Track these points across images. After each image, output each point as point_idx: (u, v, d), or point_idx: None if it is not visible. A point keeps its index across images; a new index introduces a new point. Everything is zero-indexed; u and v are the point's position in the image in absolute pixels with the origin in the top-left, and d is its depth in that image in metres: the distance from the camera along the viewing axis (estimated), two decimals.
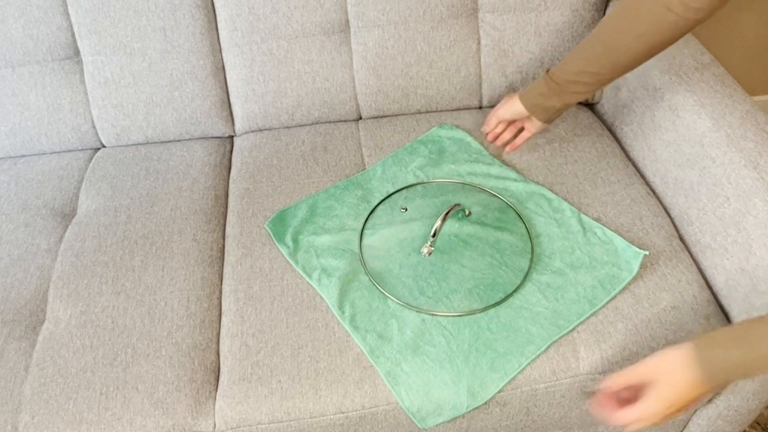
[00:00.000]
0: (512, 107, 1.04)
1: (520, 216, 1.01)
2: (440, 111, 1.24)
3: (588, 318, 0.88)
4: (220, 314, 0.95)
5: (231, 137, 1.25)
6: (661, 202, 1.05)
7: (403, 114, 1.24)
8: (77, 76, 1.15)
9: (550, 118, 1.02)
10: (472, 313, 0.88)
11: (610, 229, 0.98)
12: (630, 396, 0.70)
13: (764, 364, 0.62)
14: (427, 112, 1.24)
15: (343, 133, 1.20)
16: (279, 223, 1.02)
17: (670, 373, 0.66)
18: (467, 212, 1.01)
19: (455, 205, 0.95)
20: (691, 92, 1.00)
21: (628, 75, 1.13)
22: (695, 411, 1.00)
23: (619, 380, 0.71)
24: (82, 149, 1.21)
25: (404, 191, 1.06)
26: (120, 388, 0.85)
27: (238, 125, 1.23)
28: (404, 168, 1.10)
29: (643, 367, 0.68)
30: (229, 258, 1.00)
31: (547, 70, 0.98)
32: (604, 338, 0.87)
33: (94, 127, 1.18)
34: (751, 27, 1.60)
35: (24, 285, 0.97)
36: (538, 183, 1.06)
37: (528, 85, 1.02)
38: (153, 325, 0.91)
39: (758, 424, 1.27)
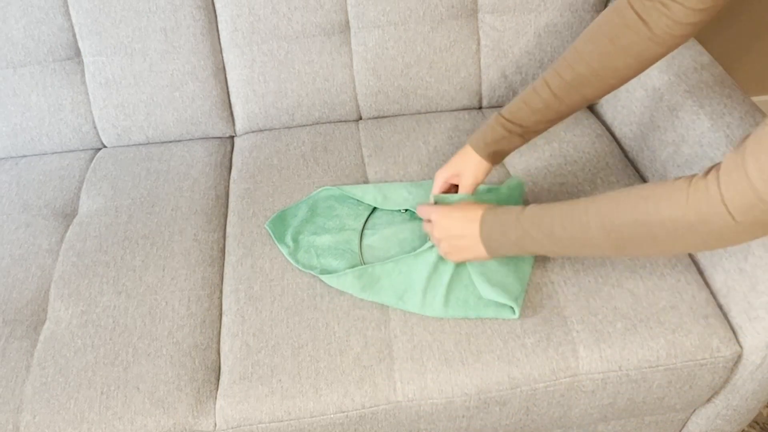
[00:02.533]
0: (462, 163, 0.94)
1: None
2: (440, 111, 1.24)
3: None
4: (220, 314, 0.95)
5: (231, 137, 1.25)
6: None
7: (403, 114, 1.24)
8: (78, 77, 1.16)
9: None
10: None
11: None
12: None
13: (530, 247, 0.78)
14: (427, 112, 1.24)
15: (343, 133, 1.20)
16: (279, 222, 1.02)
17: (465, 209, 0.85)
18: None
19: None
20: (690, 93, 1.01)
21: None
22: (694, 411, 1.00)
23: (426, 210, 0.90)
24: (83, 149, 1.22)
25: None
26: (121, 387, 0.85)
27: (239, 125, 1.23)
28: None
29: (440, 209, 0.87)
30: (230, 258, 1.01)
31: (500, 114, 0.89)
32: (604, 338, 0.87)
33: (95, 128, 1.19)
34: (751, 27, 1.60)
35: (25, 285, 0.98)
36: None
37: (477, 135, 0.92)
38: (154, 324, 0.91)
39: (757, 423, 1.28)
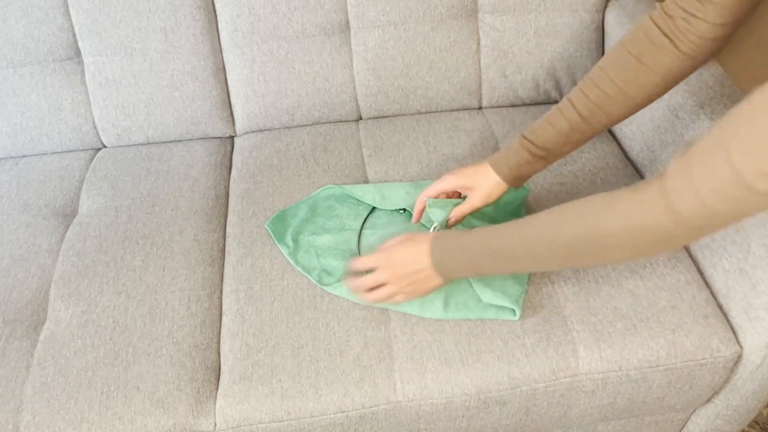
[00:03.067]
0: (478, 179, 0.90)
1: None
2: (440, 111, 1.24)
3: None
4: (220, 314, 0.95)
5: (231, 137, 1.25)
6: None
7: (403, 114, 1.24)
8: (78, 77, 1.16)
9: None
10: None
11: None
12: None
13: (484, 269, 0.78)
14: (427, 112, 1.24)
15: (343, 133, 1.20)
16: (279, 222, 1.02)
17: (413, 238, 0.83)
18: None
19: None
20: (690, 93, 1.01)
21: None
22: (694, 411, 1.00)
23: (364, 262, 0.86)
24: (83, 149, 1.22)
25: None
26: (121, 387, 0.85)
27: (239, 125, 1.23)
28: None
29: (383, 252, 0.85)
30: (230, 258, 1.01)
31: (525, 137, 0.87)
32: (603, 338, 0.87)
33: (95, 128, 1.19)
34: (751, 27, 1.60)
35: (25, 285, 0.98)
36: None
37: (499, 157, 0.89)
38: (154, 324, 0.91)
39: (757, 423, 1.28)
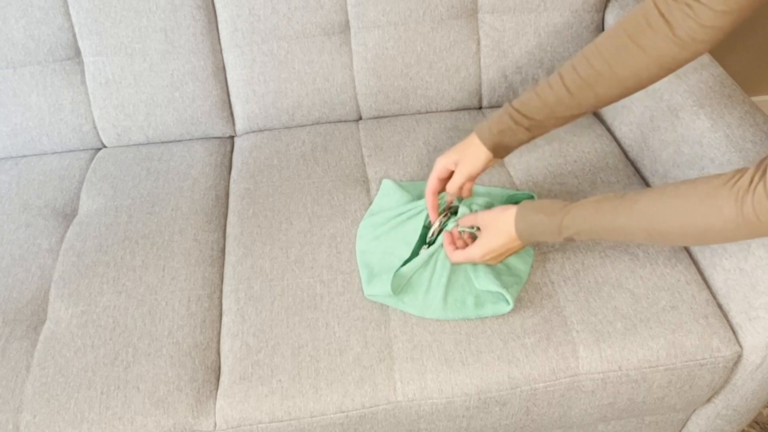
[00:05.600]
0: (463, 150, 0.91)
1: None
2: (440, 111, 1.24)
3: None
4: (220, 314, 0.95)
5: (231, 137, 1.26)
6: None
7: (403, 114, 1.24)
8: (78, 77, 1.16)
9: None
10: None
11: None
12: (463, 246, 0.91)
13: (563, 231, 0.79)
14: (427, 112, 1.24)
15: (343, 133, 1.20)
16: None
17: (497, 228, 0.85)
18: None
19: (448, 208, 0.95)
20: (690, 92, 1.01)
21: None
22: (694, 411, 1.00)
23: (464, 221, 0.92)
24: (83, 149, 1.22)
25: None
26: (121, 387, 0.85)
27: (239, 125, 1.23)
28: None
29: (481, 217, 0.88)
30: (230, 258, 1.01)
31: (510, 104, 0.87)
32: (603, 338, 0.87)
33: (95, 128, 1.19)
34: (751, 27, 1.60)
35: (25, 285, 0.98)
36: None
37: (484, 124, 0.89)
38: (154, 324, 0.91)
39: (757, 423, 1.28)
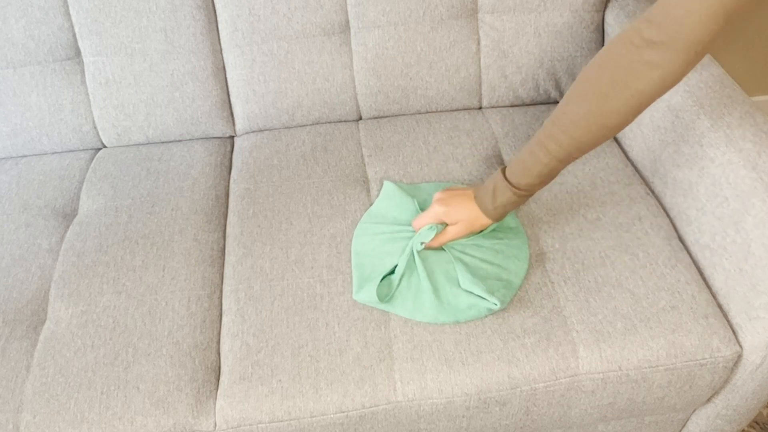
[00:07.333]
0: (463, 214, 0.94)
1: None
2: (440, 111, 1.24)
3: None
4: (220, 314, 0.95)
5: (231, 137, 1.26)
6: (660, 202, 1.05)
7: (403, 114, 1.24)
8: (78, 77, 1.16)
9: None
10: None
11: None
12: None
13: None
14: (427, 112, 1.24)
15: (343, 133, 1.20)
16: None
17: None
18: None
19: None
20: (690, 92, 1.01)
21: None
22: (694, 411, 1.00)
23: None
24: (83, 149, 1.22)
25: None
26: (121, 387, 0.85)
27: (239, 125, 1.23)
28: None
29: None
30: (230, 258, 1.01)
31: (508, 181, 0.89)
32: (604, 338, 0.87)
33: (95, 128, 1.19)
34: (751, 27, 1.60)
35: (25, 285, 0.98)
36: None
37: (485, 196, 0.92)
38: (154, 324, 0.91)
39: (757, 423, 1.28)
